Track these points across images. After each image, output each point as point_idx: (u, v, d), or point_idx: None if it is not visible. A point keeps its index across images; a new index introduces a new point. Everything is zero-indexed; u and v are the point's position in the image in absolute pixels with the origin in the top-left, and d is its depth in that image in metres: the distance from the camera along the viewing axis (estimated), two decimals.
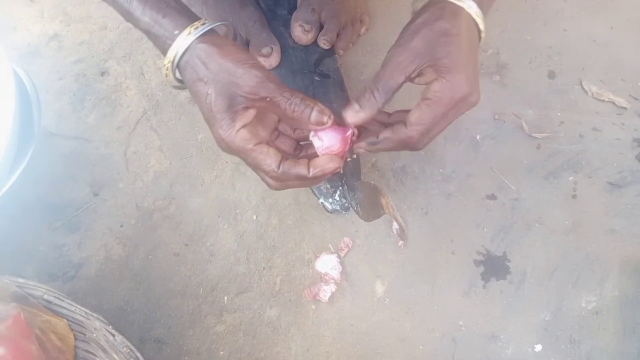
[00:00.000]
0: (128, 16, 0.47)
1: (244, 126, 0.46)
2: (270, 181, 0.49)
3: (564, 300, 0.68)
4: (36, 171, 0.69)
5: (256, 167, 0.48)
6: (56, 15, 0.81)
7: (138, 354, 0.44)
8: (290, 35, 0.77)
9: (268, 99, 0.46)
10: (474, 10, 0.48)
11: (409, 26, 0.49)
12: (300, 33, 0.76)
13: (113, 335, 0.45)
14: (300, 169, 0.48)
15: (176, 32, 0.45)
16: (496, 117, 0.79)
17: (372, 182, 0.47)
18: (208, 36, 0.46)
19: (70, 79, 0.77)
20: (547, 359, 0.65)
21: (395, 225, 0.70)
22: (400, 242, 0.69)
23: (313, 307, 0.66)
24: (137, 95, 0.77)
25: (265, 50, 0.75)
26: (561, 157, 0.77)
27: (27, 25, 0.80)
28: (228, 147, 0.47)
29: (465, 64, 0.48)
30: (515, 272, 0.69)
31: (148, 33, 0.47)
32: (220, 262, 0.67)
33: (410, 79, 0.49)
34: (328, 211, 0.70)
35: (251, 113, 0.47)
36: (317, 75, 0.76)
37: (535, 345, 0.65)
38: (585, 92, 0.82)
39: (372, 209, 0.49)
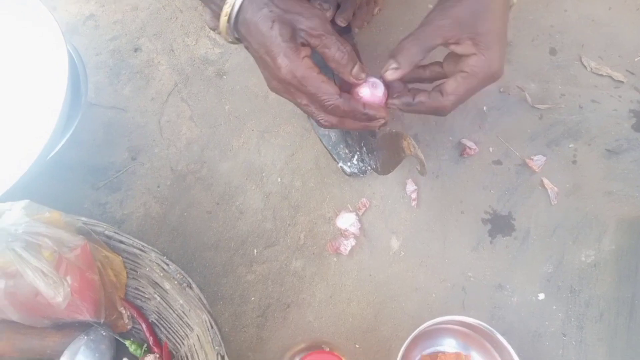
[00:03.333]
0: None
1: (307, 56, 0.50)
2: (323, 115, 0.52)
3: (564, 254, 0.74)
4: (80, 137, 0.75)
5: (314, 97, 0.50)
6: None
7: (189, 280, 0.50)
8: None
9: (325, 38, 0.49)
10: None
11: None
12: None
13: (167, 264, 0.51)
14: (357, 104, 0.51)
15: None
16: (501, 90, 0.85)
17: (393, 130, 0.52)
18: None
19: (107, 54, 0.83)
20: (549, 306, 0.70)
21: (408, 188, 0.76)
22: (414, 202, 0.75)
23: (335, 259, 0.72)
24: (168, 69, 0.83)
25: None
26: (562, 126, 0.83)
27: (66, 6, 0.86)
28: (290, 75, 0.49)
29: (501, 42, 0.52)
30: (519, 229, 0.75)
31: None
32: (249, 219, 0.73)
33: (447, 43, 0.53)
34: (347, 174, 0.76)
35: (308, 50, 0.50)
36: None
37: (539, 294, 0.71)
38: (585, 67, 0.88)
39: (392, 157, 0.54)
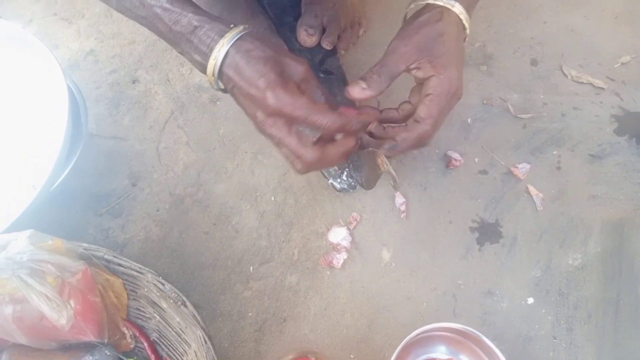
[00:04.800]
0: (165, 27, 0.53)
1: (294, 88, 0.51)
2: (307, 149, 0.51)
3: (552, 258, 0.76)
4: (82, 167, 0.80)
5: (308, 119, 0.49)
6: (91, 33, 0.92)
7: (184, 298, 0.54)
8: (296, 39, 0.87)
9: (312, 83, 0.53)
10: (457, 9, 0.57)
11: (411, 22, 0.58)
12: (305, 37, 0.86)
13: (163, 284, 0.54)
14: (351, 113, 0.53)
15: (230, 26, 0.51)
16: (484, 102, 0.88)
17: (370, 149, 0.55)
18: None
19: (106, 87, 0.88)
20: (539, 309, 0.72)
21: (397, 201, 0.79)
22: (403, 215, 0.78)
23: (328, 273, 0.74)
24: (164, 98, 0.87)
25: None
26: (545, 134, 0.85)
27: (67, 44, 0.91)
28: (280, 103, 0.48)
29: (457, 63, 0.56)
30: (507, 236, 0.77)
31: (194, 30, 0.52)
32: (244, 238, 0.76)
33: (408, 69, 0.57)
34: (337, 190, 0.79)
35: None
36: (321, 72, 0.86)
37: (528, 299, 0.73)
38: (566, 76, 0.91)
39: (372, 173, 0.57)
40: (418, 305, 0.73)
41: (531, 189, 0.80)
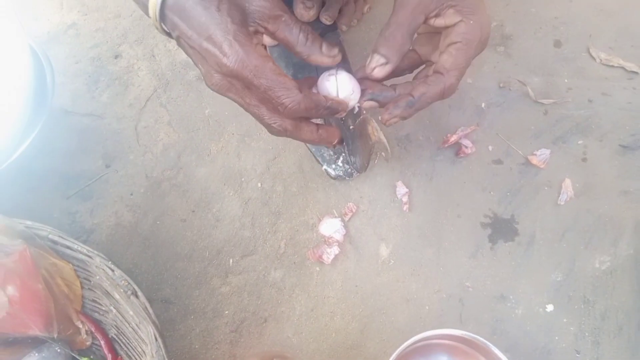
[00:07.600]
0: None
1: (260, 43, 0.43)
2: (276, 118, 0.45)
3: (575, 261, 0.66)
4: (52, 146, 0.73)
5: (267, 94, 0.42)
6: (74, 5, 0.86)
7: (135, 287, 0.46)
8: (292, 13, 0.79)
9: (284, 18, 0.43)
10: None
11: None
12: (302, 10, 0.78)
13: (112, 270, 0.46)
14: (320, 98, 0.45)
15: None
16: (501, 85, 0.79)
17: (362, 117, 0.47)
18: None
19: (86, 62, 0.81)
20: (559, 318, 0.63)
21: (399, 191, 0.70)
22: (405, 207, 0.69)
23: (317, 269, 0.66)
24: (148, 75, 0.80)
25: None
26: (570, 121, 0.76)
27: (48, 16, 0.84)
28: (240, 65, 0.41)
29: (484, 5, 0.48)
30: (523, 234, 0.68)
31: None
32: (225, 227, 0.68)
33: (427, 19, 0.49)
34: (331, 177, 0.70)
35: (261, 39, 0.44)
36: None
37: (547, 306, 0.63)
38: (594, 58, 0.81)
39: (364, 149, 0.49)
40: (419, 308, 0.63)
41: (567, 182, 0.70)
